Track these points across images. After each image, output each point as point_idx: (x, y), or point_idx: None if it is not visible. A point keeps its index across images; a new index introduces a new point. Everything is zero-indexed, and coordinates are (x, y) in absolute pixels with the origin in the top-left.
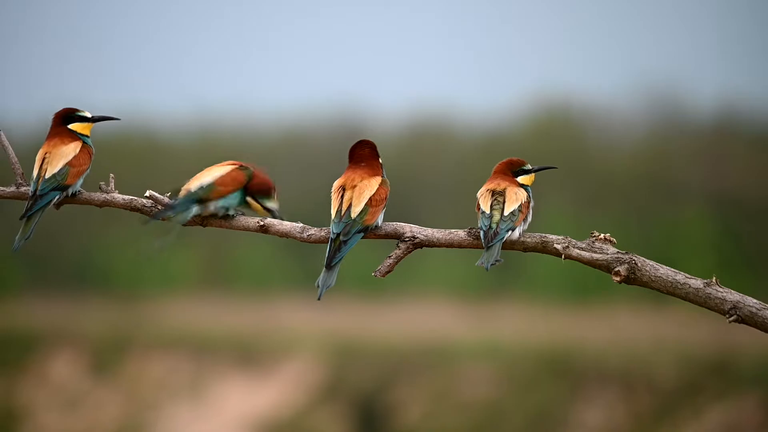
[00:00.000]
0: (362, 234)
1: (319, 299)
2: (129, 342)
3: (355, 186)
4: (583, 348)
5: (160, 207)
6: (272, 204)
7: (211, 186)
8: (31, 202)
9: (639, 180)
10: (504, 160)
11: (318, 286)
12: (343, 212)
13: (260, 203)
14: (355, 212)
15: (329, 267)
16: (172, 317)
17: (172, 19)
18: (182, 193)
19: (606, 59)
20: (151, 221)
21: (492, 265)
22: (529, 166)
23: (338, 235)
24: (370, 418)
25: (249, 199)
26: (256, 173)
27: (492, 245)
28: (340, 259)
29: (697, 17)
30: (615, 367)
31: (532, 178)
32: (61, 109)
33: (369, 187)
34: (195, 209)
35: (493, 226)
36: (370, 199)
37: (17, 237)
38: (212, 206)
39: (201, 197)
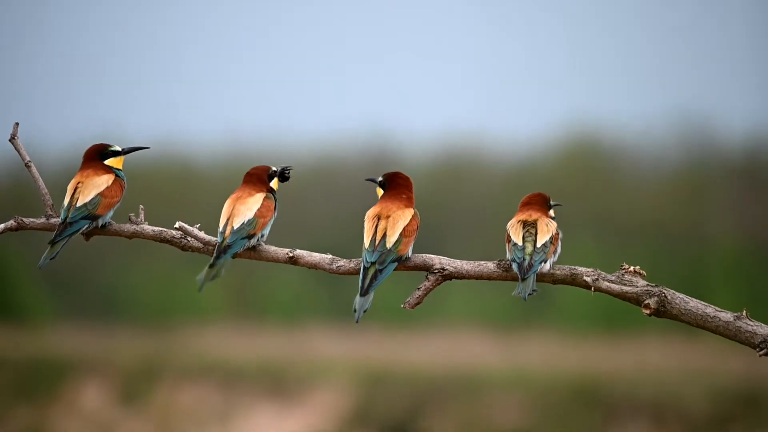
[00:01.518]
0: (396, 264)
1: (357, 322)
2: (159, 371)
3: (389, 216)
4: (613, 379)
5: (195, 240)
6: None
7: (254, 221)
8: (60, 228)
9: (669, 212)
10: (536, 193)
11: (355, 311)
12: (377, 241)
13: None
14: (390, 242)
15: (364, 294)
16: (202, 347)
17: (205, 48)
18: (227, 230)
19: (637, 91)
20: (217, 266)
21: (529, 294)
22: (552, 202)
23: (372, 264)
24: None
25: (274, 182)
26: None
27: (527, 277)
28: (375, 286)
29: (728, 50)
30: (645, 398)
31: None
32: (92, 145)
33: (403, 217)
34: (246, 244)
35: (527, 257)
36: (404, 229)
37: (43, 256)
38: (255, 239)
39: (249, 233)
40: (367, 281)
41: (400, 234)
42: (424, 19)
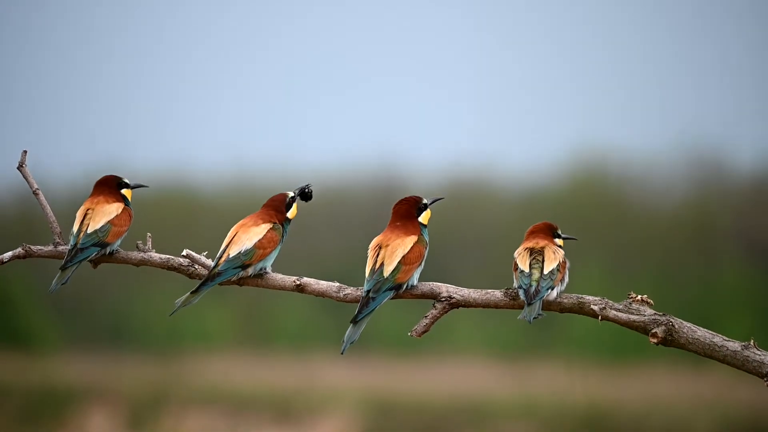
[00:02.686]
0: (393, 292)
1: (342, 353)
2: (166, 398)
3: (388, 245)
4: (621, 408)
5: (202, 268)
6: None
7: (252, 251)
8: (71, 254)
9: (677, 239)
10: (542, 222)
11: (343, 342)
12: (375, 270)
13: (296, 205)
14: (387, 270)
15: (355, 322)
16: (209, 374)
17: (212, 76)
18: (223, 257)
19: (645, 119)
20: (201, 292)
21: (534, 318)
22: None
23: (368, 292)
24: None
25: (292, 211)
26: (276, 204)
27: (533, 303)
28: (366, 315)
29: (736, 78)
30: (653, 428)
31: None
32: (109, 174)
33: (402, 245)
34: (239, 273)
35: (533, 284)
36: (403, 257)
37: (54, 280)
38: (251, 270)
39: (244, 263)
40: (359, 308)
41: (399, 262)
42: (433, 48)
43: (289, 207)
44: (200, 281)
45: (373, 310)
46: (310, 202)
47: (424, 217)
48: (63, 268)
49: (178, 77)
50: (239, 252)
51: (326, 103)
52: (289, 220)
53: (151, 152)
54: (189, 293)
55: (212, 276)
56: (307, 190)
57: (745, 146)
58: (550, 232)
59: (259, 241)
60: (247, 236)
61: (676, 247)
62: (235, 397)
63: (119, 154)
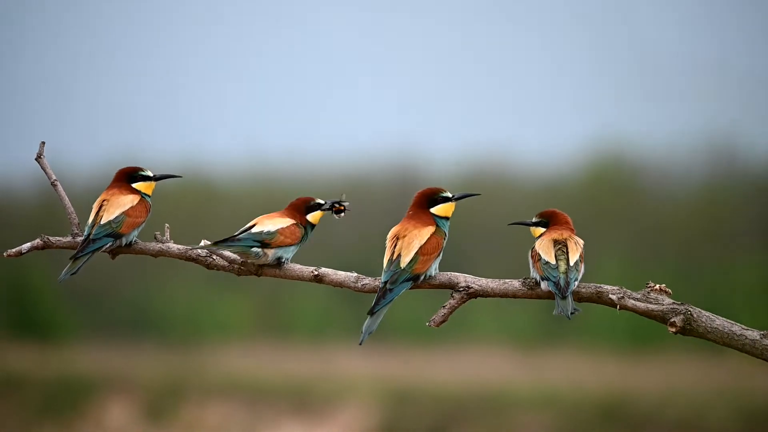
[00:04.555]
0: (411, 283)
1: (360, 344)
2: (185, 389)
3: (405, 236)
4: (639, 397)
5: (218, 258)
6: (326, 205)
7: (274, 234)
8: (83, 245)
9: (695, 230)
10: (558, 211)
11: (362, 333)
12: (393, 261)
13: (323, 213)
14: (404, 262)
15: (372, 313)
16: (228, 364)
17: (230, 68)
18: (246, 231)
19: (663, 109)
20: (218, 248)
21: (572, 313)
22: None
23: (385, 283)
24: None
25: (313, 216)
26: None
27: (567, 295)
28: (384, 306)
29: (755, 65)
30: (672, 417)
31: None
32: (125, 166)
33: (419, 236)
34: (255, 251)
35: (561, 276)
36: (420, 248)
37: (64, 270)
38: (270, 253)
39: (263, 240)
40: (377, 299)
41: (416, 253)
42: (450, 39)
43: (310, 210)
44: (220, 240)
45: (390, 301)
46: (343, 214)
47: (439, 209)
48: (74, 258)
49: (195, 68)
50: (262, 231)
51: (342, 93)
52: (312, 226)
53: (168, 143)
54: (211, 243)
55: (232, 238)
56: (343, 203)
57: (762, 136)
58: (568, 222)
59: (282, 228)
60: (271, 222)
61: (694, 237)
62: (253, 387)
63: (137, 146)
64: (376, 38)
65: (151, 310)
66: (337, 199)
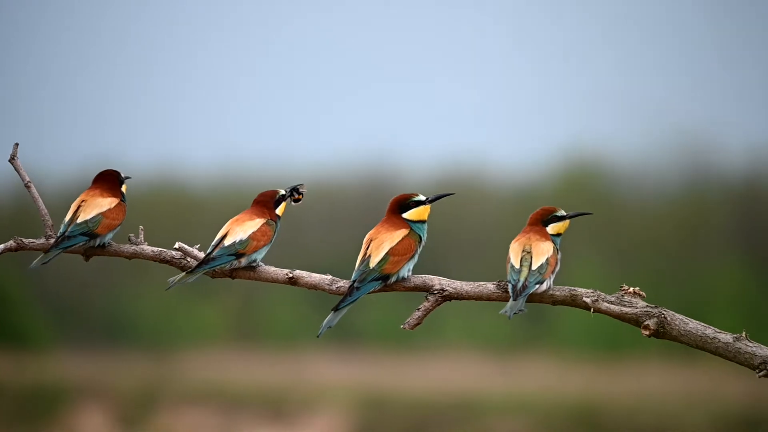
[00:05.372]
0: (379, 282)
1: (318, 337)
2: (158, 395)
3: (377, 237)
4: (613, 402)
5: (194, 261)
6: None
7: (246, 242)
8: (57, 240)
9: (669, 234)
10: (537, 210)
11: (322, 326)
12: (363, 261)
13: (286, 203)
14: (374, 261)
15: (336, 309)
16: (202, 371)
17: (205, 73)
18: (218, 246)
19: (637, 114)
20: (197, 273)
21: (515, 313)
22: (562, 213)
23: (354, 281)
24: None
25: (280, 208)
26: (266, 201)
27: (519, 299)
28: (348, 304)
29: (728, 70)
30: (645, 422)
31: (566, 225)
32: (108, 169)
33: (390, 238)
34: (232, 263)
35: (521, 279)
36: (391, 248)
37: (36, 260)
38: (244, 260)
39: (238, 251)
40: (343, 297)
41: (387, 253)
42: (425, 45)
43: (278, 204)
44: (196, 265)
45: (356, 299)
46: (300, 202)
47: (411, 214)
48: (47, 251)
49: (171, 75)
50: (234, 242)
51: (317, 100)
52: (278, 218)
53: (144, 148)
54: (184, 273)
55: (207, 260)
56: (301, 190)
57: (736, 141)
58: (542, 221)
59: (253, 232)
60: (241, 228)
61: (668, 241)
62: (227, 394)
63: (113, 150)
64: (352, 46)
65: (125, 317)
66: (296, 185)
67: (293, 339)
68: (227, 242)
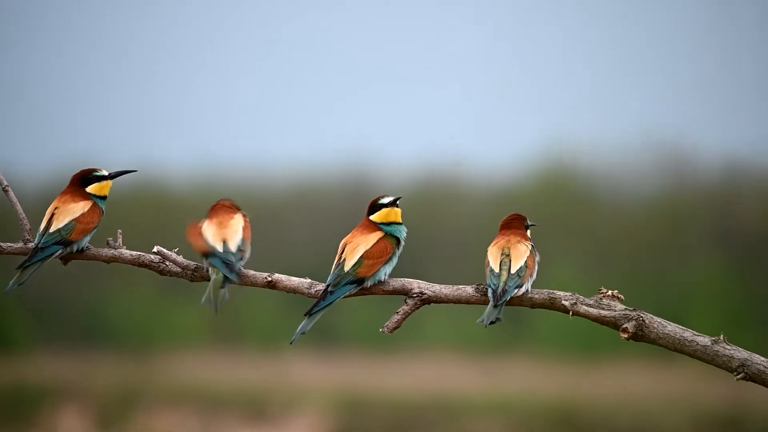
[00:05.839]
0: (354, 286)
1: (291, 343)
2: (137, 397)
3: (353, 241)
4: (592, 404)
5: (170, 265)
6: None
7: (244, 241)
8: (32, 253)
9: (648, 236)
10: (514, 214)
11: (296, 332)
12: (338, 265)
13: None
14: (348, 265)
15: (309, 314)
16: (181, 372)
17: (183, 74)
18: (219, 251)
19: (614, 116)
20: (227, 285)
21: (491, 323)
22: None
23: (328, 286)
24: None
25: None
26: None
27: (500, 304)
28: (322, 308)
29: (703, 73)
30: (624, 424)
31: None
32: (80, 170)
33: (365, 241)
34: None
35: (501, 284)
36: (365, 252)
37: (12, 281)
38: (244, 258)
39: (237, 258)
40: (317, 301)
41: (361, 256)
42: (402, 47)
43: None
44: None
45: (330, 303)
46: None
47: (376, 217)
48: (22, 268)
49: (150, 76)
50: (232, 249)
51: (297, 102)
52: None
53: (123, 150)
54: (211, 288)
55: (231, 268)
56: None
57: (714, 141)
58: (523, 225)
59: (245, 232)
60: (230, 229)
61: (647, 243)
62: (206, 395)
63: (92, 152)
64: (330, 48)
65: (104, 319)
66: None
67: (273, 340)
68: (232, 248)
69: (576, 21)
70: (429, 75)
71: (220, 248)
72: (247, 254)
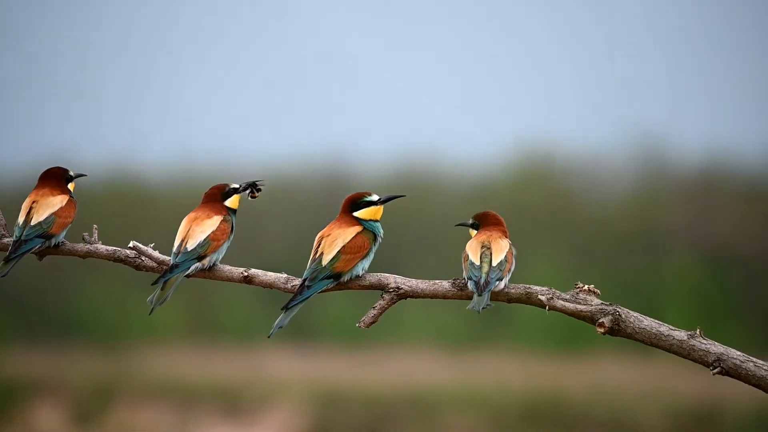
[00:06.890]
0: (331, 281)
1: (269, 337)
2: (113, 392)
3: (330, 235)
4: (568, 398)
5: (149, 260)
6: (241, 188)
7: (206, 244)
8: (15, 246)
9: (625, 230)
10: (491, 212)
11: (273, 326)
12: (315, 259)
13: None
14: (326, 260)
15: (286, 309)
16: (157, 367)
17: (159, 68)
18: (180, 250)
19: (591, 109)
20: (158, 283)
21: (483, 308)
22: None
23: (305, 280)
24: None
25: (231, 201)
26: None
27: (483, 294)
28: (299, 303)
29: (682, 68)
30: (600, 418)
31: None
32: (55, 166)
33: (343, 236)
34: (196, 266)
35: (483, 276)
36: (343, 246)
37: None
38: (207, 261)
39: (200, 254)
40: (294, 295)
41: (339, 251)
42: (379, 41)
43: (226, 197)
44: (159, 275)
45: (306, 298)
46: (256, 198)
47: (362, 213)
48: (6, 260)
49: (127, 70)
50: (196, 245)
51: (275, 96)
52: (234, 211)
53: (98, 144)
54: (158, 290)
55: (171, 269)
56: (259, 186)
57: (690, 138)
58: (502, 222)
59: (212, 232)
60: (200, 228)
61: (623, 238)
62: (183, 390)
63: (67, 147)
64: (306, 42)
65: (79, 313)
66: (255, 181)
67: (249, 335)
68: (189, 246)
69: (552, 14)
70: (405, 68)
71: (176, 247)
72: (215, 256)
